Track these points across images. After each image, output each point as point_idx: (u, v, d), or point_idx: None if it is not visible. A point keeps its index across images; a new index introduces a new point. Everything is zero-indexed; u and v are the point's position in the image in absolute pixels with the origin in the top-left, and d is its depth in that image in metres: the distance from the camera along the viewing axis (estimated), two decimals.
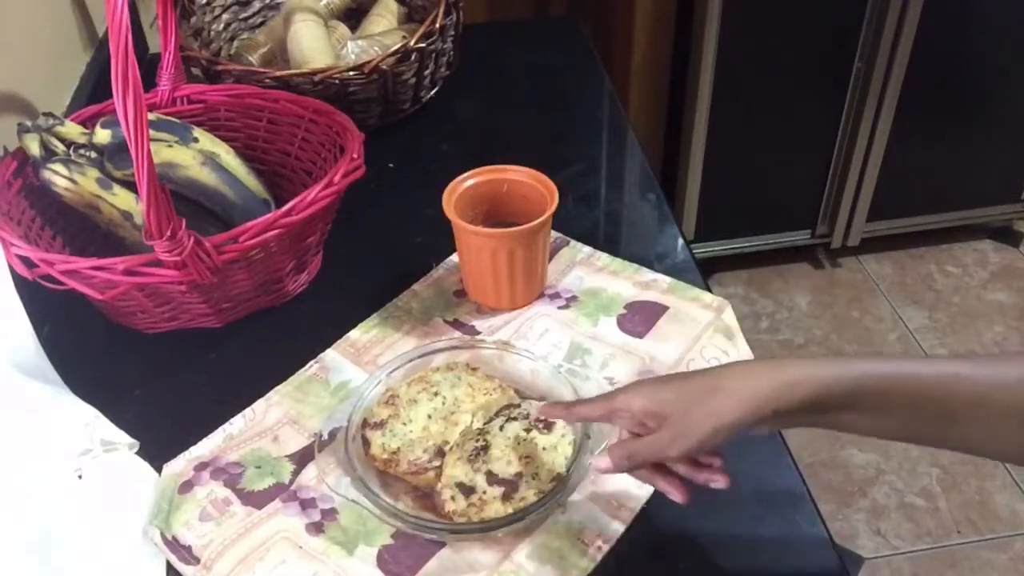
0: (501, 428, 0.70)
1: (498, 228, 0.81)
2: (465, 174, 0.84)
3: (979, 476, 1.74)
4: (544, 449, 0.68)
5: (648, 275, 0.88)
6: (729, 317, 0.83)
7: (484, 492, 0.66)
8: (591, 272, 0.89)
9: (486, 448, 0.68)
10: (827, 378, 0.54)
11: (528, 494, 0.65)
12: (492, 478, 0.66)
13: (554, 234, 0.94)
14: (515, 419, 0.70)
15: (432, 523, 0.65)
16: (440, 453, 0.69)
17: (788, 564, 0.65)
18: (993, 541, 1.63)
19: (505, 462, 0.67)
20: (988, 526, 1.65)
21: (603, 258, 0.91)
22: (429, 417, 0.72)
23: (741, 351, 0.80)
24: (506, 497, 0.65)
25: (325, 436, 0.71)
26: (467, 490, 0.66)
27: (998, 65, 1.90)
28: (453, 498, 0.66)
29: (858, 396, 0.54)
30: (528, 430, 0.69)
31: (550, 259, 0.90)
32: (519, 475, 0.66)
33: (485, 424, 0.71)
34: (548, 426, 0.69)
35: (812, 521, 0.67)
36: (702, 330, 0.81)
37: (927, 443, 0.56)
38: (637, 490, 0.68)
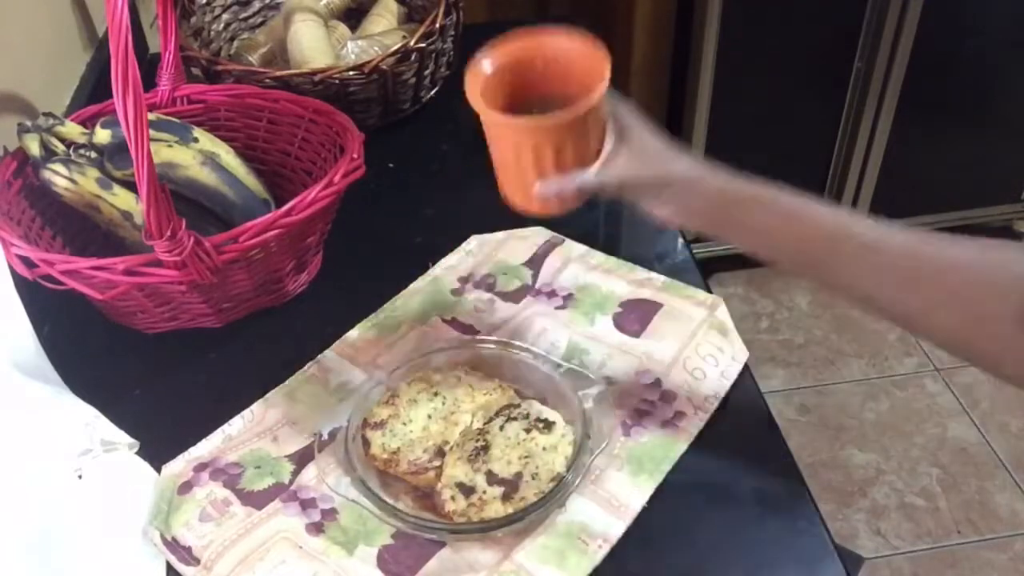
0: (501, 428, 0.70)
1: (537, 115, 0.65)
2: (489, 48, 0.67)
3: (979, 476, 1.74)
4: (544, 449, 0.68)
5: (642, 273, 0.88)
6: (723, 314, 0.83)
7: (484, 492, 0.66)
8: (585, 270, 0.89)
9: (486, 448, 0.68)
10: (730, 186, 0.61)
11: (528, 494, 0.65)
12: (492, 478, 0.66)
13: (548, 232, 0.94)
14: (515, 419, 0.70)
15: (432, 523, 0.65)
16: (440, 453, 0.69)
17: (788, 564, 0.65)
18: (993, 541, 1.63)
19: (505, 462, 0.67)
20: (988, 526, 1.65)
21: (597, 256, 0.91)
22: (429, 417, 0.72)
23: (736, 347, 0.80)
24: (506, 497, 0.65)
25: (325, 436, 0.71)
26: (467, 490, 0.66)
27: (998, 65, 1.90)
28: (453, 498, 0.66)
29: (743, 208, 0.61)
30: (528, 430, 0.69)
31: (547, 257, 0.90)
32: (519, 475, 0.67)
33: (485, 424, 0.71)
34: (548, 426, 0.69)
35: (812, 521, 0.67)
36: (697, 327, 0.81)
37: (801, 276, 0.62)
38: (637, 490, 0.68)
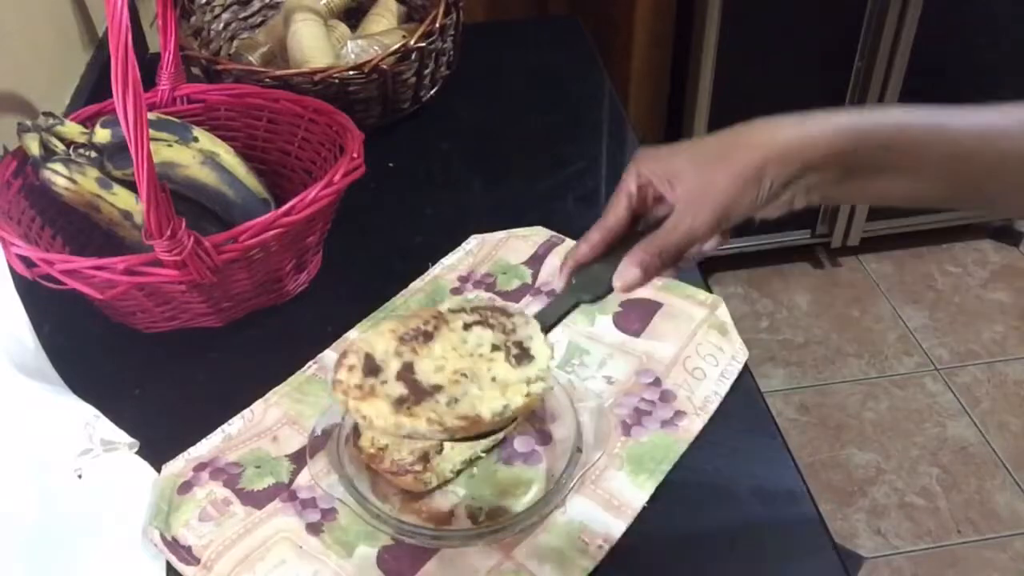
0: (466, 327, 0.56)
1: None
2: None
3: (979, 476, 1.74)
4: (493, 381, 0.54)
5: None
6: (723, 314, 0.83)
7: (384, 383, 0.53)
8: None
9: (429, 336, 0.55)
10: (860, 129, 0.48)
11: (422, 416, 0.52)
12: (405, 373, 0.54)
13: (548, 232, 0.94)
14: (492, 326, 0.56)
15: (413, 528, 0.64)
16: (425, 458, 0.67)
17: (788, 564, 0.65)
18: (993, 541, 1.63)
19: (435, 366, 0.54)
20: (988, 526, 1.66)
21: None
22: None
23: (736, 347, 0.80)
24: (400, 404, 0.52)
25: (318, 432, 0.71)
26: (372, 367, 0.54)
27: (998, 65, 1.90)
28: (351, 368, 0.54)
29: (894, 153, 0.48)
30: (496, 348, 0.55)
31: (547, 256, 0.90)
32: (437, 388, 0.52)
33: (453, 311, 0.57)
34: (521, 358, 0.54)
35: (812, 521, 0.67)
36: (696, 327, 0.81)
37: (962, 206, 0.52)
38: (637, 490, 0.68)
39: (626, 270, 0.53)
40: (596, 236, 0.56)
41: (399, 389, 0.53)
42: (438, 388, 0.53)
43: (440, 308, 0.58)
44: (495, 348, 0.55)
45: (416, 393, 0.52)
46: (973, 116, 0.48)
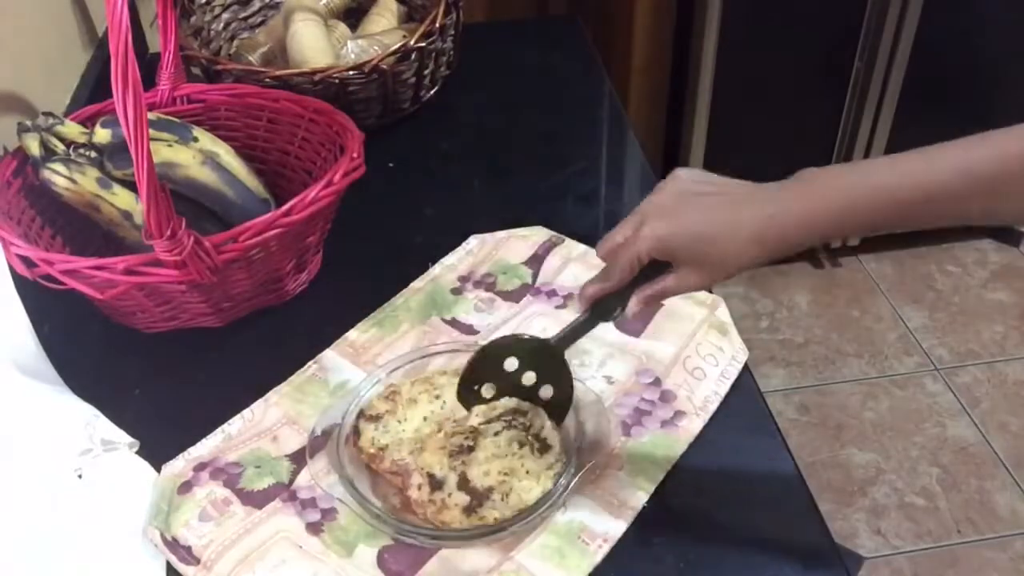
0: (496, 433, 0.68)
1: None
2: None
3: (979, 476, 1.74)
4: (527, 473, 0.66)
5: None
6: (723, 313, 0.83)
7: (450, 495, 0.65)
8: (586, 270, 0.89)
9: (471, 448, 0.67)
10: (857, 210, 0.56)
11: (489, 515, 0.64)
12: (464, 483, 0.65)
13: (548, 232, 0.94)
14: (515, 427, 0.68)
15: (411, 528, 0.65)
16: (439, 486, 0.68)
17: (788, 564, 0.65)
18: (993, 541, 1.63)
19: (483, 472, 0.65)
20: (988, 526, 1.65)
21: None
22: (425, 419, 0.71)
23: (736, 347, 0.80)
24: (469, 510, 0.64)
25: (318, 432, 0.71)
26: (436, 483, 0.65)
27: (998, 65, 1.90)
28: (420, 487, 0.65)
29: (865, 226, 0.58)
30: (522, 444, 0.67)
31: (547, 256, 0.90)
32: (490, 490, 0.65)
33: (483, 423, 0.69)
34: (543, 449, 0.67)
35: (812, 521, 0.67)
36: (696, 327, 0.81)
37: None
38: (637, 490, 0.68)
39: (635, 304, 0.64)
40: (606, 287, 0.64)
41: (464, 498, 0.65)
42: (490, 489, 0.65)
43: (471, 423, 0.69)
44: (521, 445, 0.67)
45: (476, 497, 0.65)
46: (943, 164, 0.56)
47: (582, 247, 0.92)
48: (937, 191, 0.54)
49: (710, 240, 0.59)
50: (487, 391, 0.70)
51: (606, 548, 0.65)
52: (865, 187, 0.56)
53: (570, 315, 0.84)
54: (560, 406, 0.70)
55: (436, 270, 0.91)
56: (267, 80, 1.02)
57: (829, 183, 0.57)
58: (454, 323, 0.84)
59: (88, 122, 0.87)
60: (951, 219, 0.57)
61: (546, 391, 0.70)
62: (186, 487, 0.70)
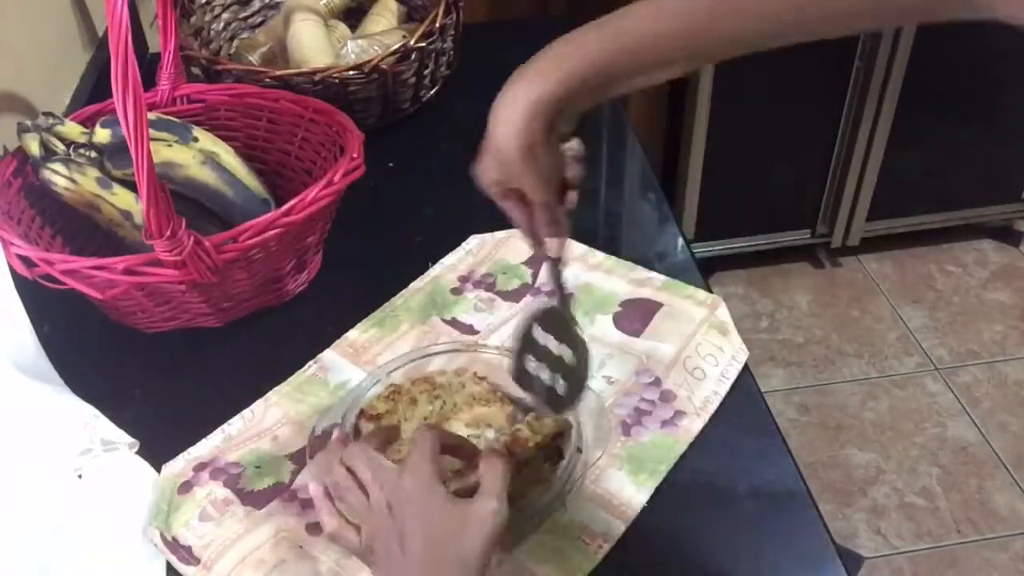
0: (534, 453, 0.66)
1: None
2: None
3: (979, 476, 1.74)
4: (533, 473, 0.65)
5: (642, 273, 0.88)
6: (723, 313, 0.83)
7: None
8: (586, 270, 0.89)
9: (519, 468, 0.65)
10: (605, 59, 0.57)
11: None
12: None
13: None
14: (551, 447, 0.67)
15: None
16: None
17: (788, 564, 0.65)
18: (993, 541, 1.63)
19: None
20: (988, 526, 1.65)
21: (597, 256, 0.91)
22: (424, 419, 0.71)
23: (735, 346, 0.80)
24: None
25: (318, 432, 0.71)
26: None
27: (998, 65, 1.90)
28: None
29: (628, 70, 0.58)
30: (547, 459, 0.66)
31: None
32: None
33: (536, 442, 0.66)
34: (557, 460, 0.67)
35: (812, 521, 0.67)
36: (697, 327, 0.81)
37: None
38: (637, 490, 0.68)
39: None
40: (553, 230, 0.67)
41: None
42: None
43: (523, 434, 0.65)
44: (545, 459, 0.67)
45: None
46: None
47: (582, 247, 0.92)
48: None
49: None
50: (534, 367, 0.67)
51: (606, 548, 0.65)
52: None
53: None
54: (579, 372, 0.66)
55: (436, 270, 0.91)
56: (267, 80, 1.02)
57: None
58: (454, 323, 0.84)
59: (88, 122, 0.87)
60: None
61: (567, 354, 0.66)
62: (186, 487, 0.70)
